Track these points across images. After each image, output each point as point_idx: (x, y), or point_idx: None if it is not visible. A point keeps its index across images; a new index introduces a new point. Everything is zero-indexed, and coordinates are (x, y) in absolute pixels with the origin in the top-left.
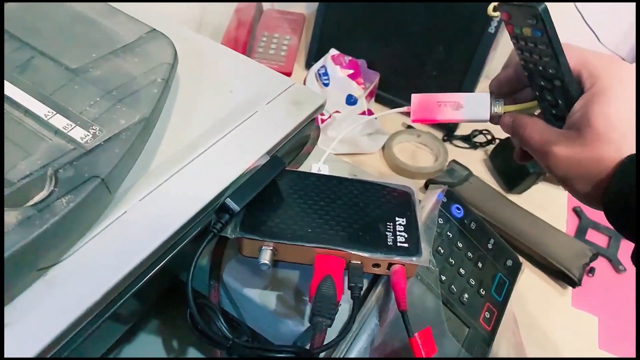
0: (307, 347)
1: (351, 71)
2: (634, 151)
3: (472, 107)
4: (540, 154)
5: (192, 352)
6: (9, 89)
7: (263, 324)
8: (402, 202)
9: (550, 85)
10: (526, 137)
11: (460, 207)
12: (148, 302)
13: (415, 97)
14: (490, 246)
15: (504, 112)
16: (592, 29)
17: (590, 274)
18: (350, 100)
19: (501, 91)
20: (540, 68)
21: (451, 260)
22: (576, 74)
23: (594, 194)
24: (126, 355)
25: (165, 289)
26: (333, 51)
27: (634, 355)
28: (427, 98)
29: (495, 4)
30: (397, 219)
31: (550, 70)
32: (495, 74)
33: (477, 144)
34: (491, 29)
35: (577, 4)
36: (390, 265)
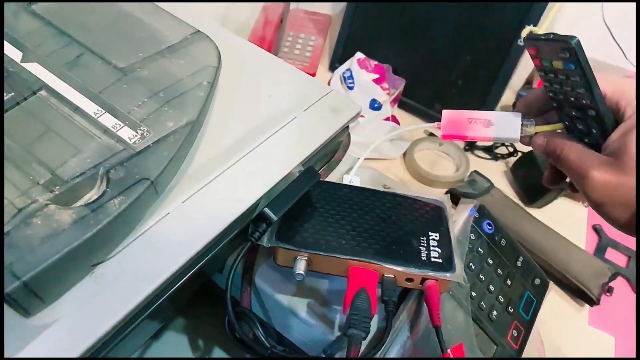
0: (338, 356)
1: (376, 76)
2: None
3: (503, 126)
4: (577, 175)
5: (217, 351)
6: (59, 85)
7: (291, 329)
8: (435, 217)
9: (583, 115)
10: (563, 158)
11: (491, 223)
12: (182, 302)
13: (445, 113)
14: (519, 264)
15: (535, 133)
16: (619, 45)
17: (608, 294)
18: (374, 105)
19: (530, 112)
20: (572, 99)
21: (481, 277)
22: (613, 102)
23: (630, 221)
24: (153, 352)
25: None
26: (359, 54)
27: None
28: (458, 115)
29: (531, 27)
30: (430, 233)
31: (583, 101)
32: (518, 85)
33: (499, 155)
34: (520, 42)
35: (606, 20)
36: (423, 280)
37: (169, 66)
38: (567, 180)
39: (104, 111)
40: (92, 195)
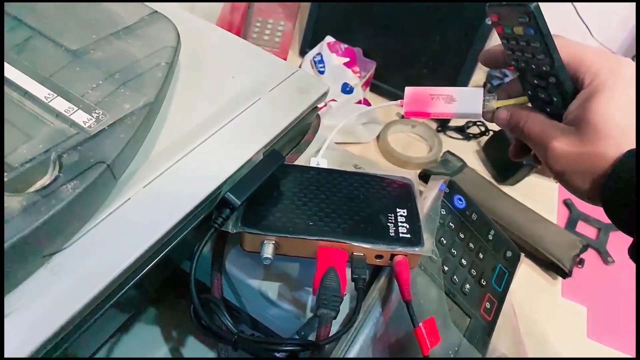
0: (311, 338)
1: (347, 59)
2: (634, 147)
3: (465, 101)
4: (539, 147)
5: (191, 340)
6: (7, 70)
7: (264, 313)
8: (403, 193)
9: (544, 83)
10: (526, 130)
11: (462, 198)
12: (149, 291)
13: (408, 90)
14: (490, 237)
15: (497, 107)
16: (584, 23)
17: (579, 265)
18: (346, 89)
19: (493, 64)
20: (533, 66)
21: (453, 251)
22: (573, 69)
23: (591, 190)
24: (125, 344)
25: (166, 277)
26: (329, 38)
27: (622, 344)
28: (421, 91)
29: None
30: (398, 210)
31: (544, 68)
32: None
33: (471, 135)
34: (488, 20)
35: None
36: (392, 256)
37: (125, 47)
38: (532, 152)
39: (55, 95)
40: (44, 181)
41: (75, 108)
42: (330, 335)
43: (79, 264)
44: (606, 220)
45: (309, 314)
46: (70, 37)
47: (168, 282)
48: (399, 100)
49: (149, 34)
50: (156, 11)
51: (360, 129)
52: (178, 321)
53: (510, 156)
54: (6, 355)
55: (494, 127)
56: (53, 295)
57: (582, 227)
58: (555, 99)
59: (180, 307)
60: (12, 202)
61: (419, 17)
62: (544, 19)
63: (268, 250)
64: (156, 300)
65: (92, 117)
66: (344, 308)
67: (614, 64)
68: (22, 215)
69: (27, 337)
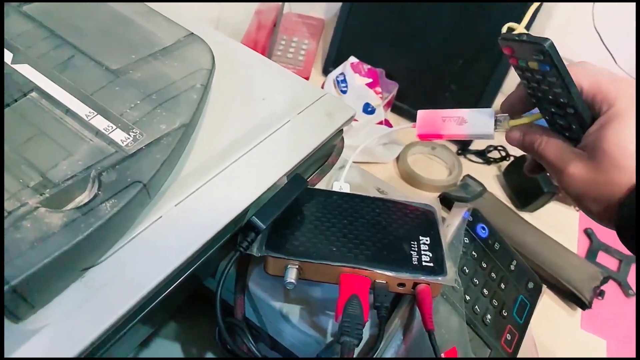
0: None
1: (370, 80)
2: None
3: (476, 122)
4: (555, 170)
5: (209, 356)
6: (50, 87)
7: (284, 334)
8: (425, 221)
9: (562, 112)
10: (541, 153)
11: (485, 226)
12: (173, 307)
13: (420, 113)
14: (512, 267)
15: (510, 127)
16: (609, 50)
17: (600, 297)
18: (367, 109)
19: (514, 111)
20: (550, 97)
21: (475, 281)
22: (590, 97)
23: (606, 215)
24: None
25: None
26: (352, 59)
27: None
28: (432, 114)
29: (511, 24)
30: (421, 238)
31: (561, 100)
32: (510, 89)
33: (491, 159)
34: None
35: (596, 24)
36: (415, 284)
37: (162, 68)
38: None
39: (95, 113)
40: (83, 198)
41: (114, 127)
42: None
43: (112, 280)
44: (628, 251)
45: (329, 338)
46: (110, 56)
47: (189, 297)
48: (412, 123)
49: (185, 55)
50: (192, 33)
51: (380, 149)
52: (198, 337)
53: (525, 172)
54: None
55: (515, 152)
56: (87, 309)
57: (602, 258)
58: (574, 127)
59: (199, 321)
60: (53, 219)
61: (443, 40)
62: (559, 55)
63: (292, 275)
64: (177, 315)
65: (130, 136)
66: (364, 334)
67: (631, 91)
68: (62, 232)
69: (62, 350)
